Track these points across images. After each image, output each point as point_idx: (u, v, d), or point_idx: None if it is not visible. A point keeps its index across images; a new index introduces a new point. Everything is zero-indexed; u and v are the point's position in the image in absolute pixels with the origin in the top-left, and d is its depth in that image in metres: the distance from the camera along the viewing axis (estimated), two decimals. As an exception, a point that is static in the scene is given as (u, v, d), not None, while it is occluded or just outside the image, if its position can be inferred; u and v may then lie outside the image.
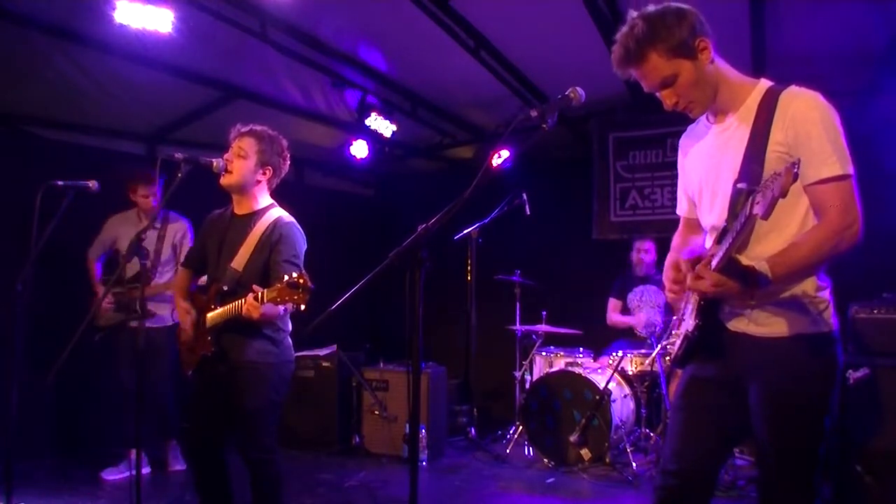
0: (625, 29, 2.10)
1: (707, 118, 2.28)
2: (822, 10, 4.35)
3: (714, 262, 1.97)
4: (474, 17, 4.56)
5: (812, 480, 2.08)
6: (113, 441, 4.97)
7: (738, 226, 1.86)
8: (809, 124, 1.97)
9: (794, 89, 2.05)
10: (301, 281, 2.71)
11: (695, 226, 2.47)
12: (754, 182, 1.97)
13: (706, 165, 2.24)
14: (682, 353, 2.31)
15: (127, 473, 4.71)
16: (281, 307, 2.89)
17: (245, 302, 2.90)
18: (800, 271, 1.99)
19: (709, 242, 2.28)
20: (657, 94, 2.17)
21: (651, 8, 2.10)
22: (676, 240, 2.56)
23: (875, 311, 4.20)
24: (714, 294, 2.00)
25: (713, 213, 2.22)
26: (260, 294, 2.82)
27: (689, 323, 2.21)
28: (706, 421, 2.22)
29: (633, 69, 2.12)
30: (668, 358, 2.43)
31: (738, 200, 2.00)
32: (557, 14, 4.44)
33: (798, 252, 1.96)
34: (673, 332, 2.48)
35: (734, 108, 2.15)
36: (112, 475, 4.80)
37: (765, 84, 2.14)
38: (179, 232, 5.00)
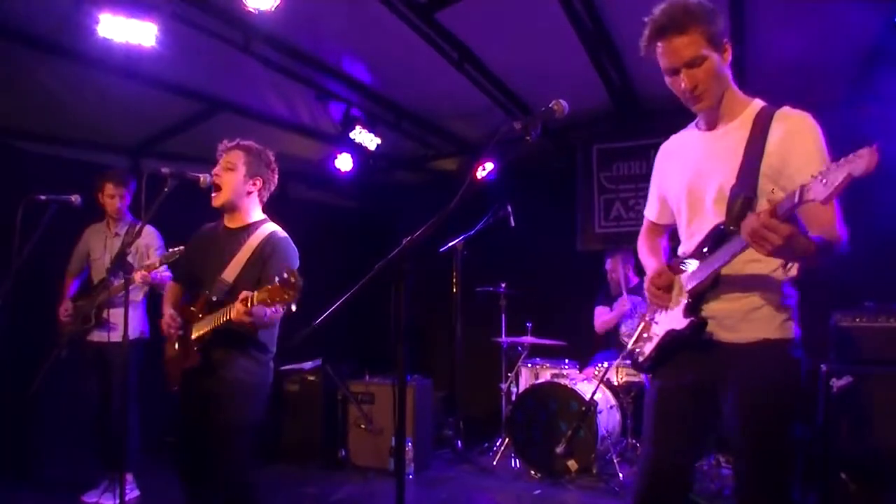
0: (669, 2, 2.15)
1: (697, 125, 2.36)
2: (802, 22, 4.41)
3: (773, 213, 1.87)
4: (458, 30, 4.58)
5: (786, 484, 2.13)
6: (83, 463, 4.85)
7: (789, 205, 1.81)
8: (806, 143, 2.06)
9: (787, 110, 2.15)
10: (293, 279, 2.66)
11: (659, 230, 2.63)
12: (750, 191, 2.08)
13: (694, 170, 2.30)
14: (656, 355, 2.37)
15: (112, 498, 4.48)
16: (268, 310, 2.83)
17: (233, 307, 2.85)
18: (809, 248, 1.92)
19: (687, 246, 2.34)
20: (673, 77, 2.19)
21: None
22: (646, 243, 2.65)
23: (857, 320, 4.24)
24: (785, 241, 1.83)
25: (698, 217, 2.28)
26: (249, 297, 2.78)
27: (677, 322, 2.26)
28: (680, 428, 2.29)
29: (670, 38, 2.13)
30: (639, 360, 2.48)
31: (736, 203, 2.10)
32: (541, 27, 4.46)
33: (810, 237, 1.95)
34: (643, 336, 2.50)
35: (730, 118, 2.24)
36: (92, 498, 4.59)
37: (759, 102, 2.23)
38: (145, 238, 4.72)
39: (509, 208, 6.00)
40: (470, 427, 6.48)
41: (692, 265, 2.25)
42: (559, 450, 5.02)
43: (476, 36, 4.68)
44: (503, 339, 6.15)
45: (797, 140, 2.07)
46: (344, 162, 6.51)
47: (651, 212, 2.64)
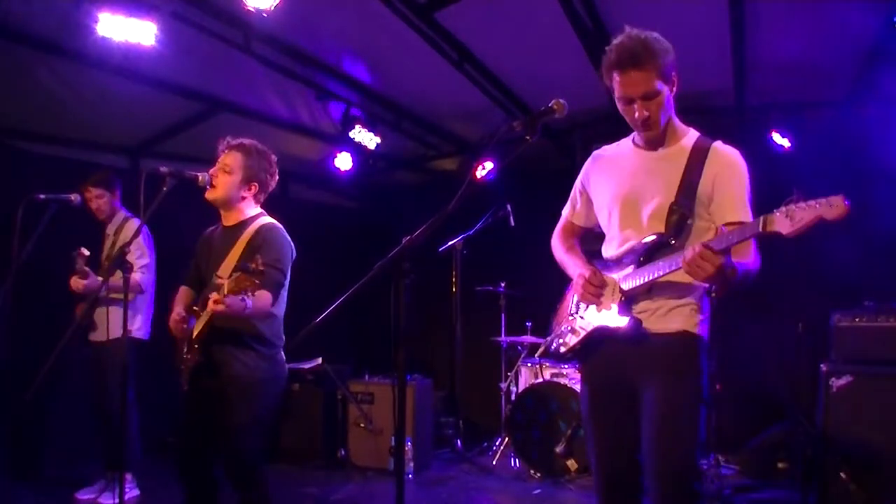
0: (630, 34, 2.29)
1: (634, 141, 2.53)
2: (802, 22, 4.41)
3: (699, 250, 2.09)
4: (458, 30, 4.58)
5: (695, 469, 2.30)
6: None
7: (740, 235, 2.07)
8: (734, 184, 2.31)
9: (719, 145, 2.39)
10: (253, 266, 2.68)
11: (576, 231, 2.86)
12: (687, 210, 2.32)
13: (632, 183, 2.46)
14: (581, 348, 2.55)
15: (111, 497, 4.46)
16: (247, 300, 2.80)
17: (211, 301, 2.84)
18: (733, 277, 2.14)
19: (615, 250, 2.50)
20: (627, 105, 2.34)
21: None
22: (564, 242, 2.86)
23: (857, 319, 4.24)
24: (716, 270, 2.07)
25: (631, 226, 2.46)
26: (223, 286, 2.78)
27: (611, 319, 2.43)
28: (616, 428, 2.45)
29: (628, 71, 2.27)
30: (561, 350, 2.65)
31: (673, 217, 2.33)
32: (541, 27, 4.46)
33: (735, 265, 2.17)
34: (563, 328, 2.66)
35: (670, 143, 2.43)
36: (85, 495, 4.61)
37: (694, 133, 2.46)
38: (129, 231, 4.66)
39: (509, 208, 6.00)
40: (470, 427, 6.48)
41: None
42: (559, 449, 5.03)
43: (476, 36, 4.67)
44: (503, 338, 6.14)
45: (728, 179, 2.31)
46: (343, 161, 6.50)
47: (572, 213, 2.83)
